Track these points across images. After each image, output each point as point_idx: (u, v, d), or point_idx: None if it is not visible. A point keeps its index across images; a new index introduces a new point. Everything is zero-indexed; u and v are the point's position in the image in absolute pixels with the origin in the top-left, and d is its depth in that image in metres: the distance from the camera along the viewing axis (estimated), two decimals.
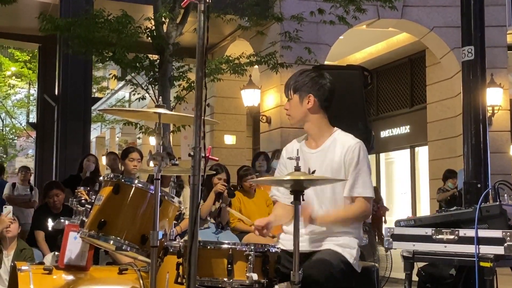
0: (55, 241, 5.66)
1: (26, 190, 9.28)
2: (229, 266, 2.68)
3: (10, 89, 23.60)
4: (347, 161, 3.07)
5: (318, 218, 3.01)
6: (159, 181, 2.86)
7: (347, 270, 2.98)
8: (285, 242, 3.09)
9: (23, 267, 3.44)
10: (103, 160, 9.20)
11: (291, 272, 2.60)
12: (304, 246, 2.97)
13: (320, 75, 3.22)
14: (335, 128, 3.23)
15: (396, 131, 15.20)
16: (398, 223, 3.46)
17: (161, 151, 2.92)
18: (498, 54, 11.34)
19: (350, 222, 3.10)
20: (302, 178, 2.64)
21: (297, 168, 2.69)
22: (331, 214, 3.06)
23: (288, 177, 2.67)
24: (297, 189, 2.67)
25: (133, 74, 10.05)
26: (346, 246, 3.04)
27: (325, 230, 3.05)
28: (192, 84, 9.54)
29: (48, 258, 4.35)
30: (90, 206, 3.41)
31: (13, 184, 9.45)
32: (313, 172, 3.09)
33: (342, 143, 3.12)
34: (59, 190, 6.31)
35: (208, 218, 5.68)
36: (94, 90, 19.77)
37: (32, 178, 11.54)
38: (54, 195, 6.21)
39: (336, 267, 2.91)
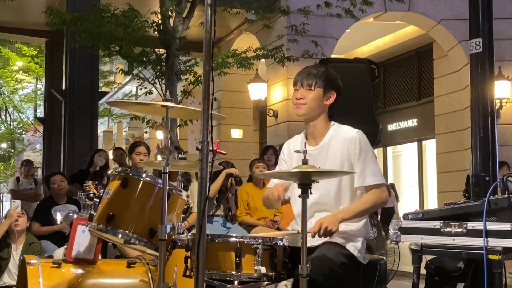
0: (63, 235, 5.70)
1: (31, 184, 9.32)
2: (237, 259, 2.68)
3: (17, 84, 23.68)
4: (351, 152, 3.05)
5: (338, 217, 2.93)
6: (167, 174, 2.87)
7: (350, 263, 2.94)
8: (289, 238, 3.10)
9: (32, 261, 3.47)
10: (110, 155, 9.23)
11: (299, 265, 2.61)
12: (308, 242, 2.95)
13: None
14: (332, 122, 3.20)
15: (404, 124, 15.16)
16: (406, 216, 3.46)
17: (169, 145, 2.93)
18: (506, 46, 11.26)
19: (368, 212, 3.07)
20: (310, 170, 2.64)
21: (305, 162, 2.68)
22: (349, 209, 3.00)
23: (296, 170, 2.66)
24: (305, 182, 2.66)
25: (140, 68, 10.06)
26: (349, 238, 3.00)
27: None
28: (199, 78, 9.54)
29: (58, 253, 4.38)
30: (98, 200, 3.42)
31: (17, 179, 9.49)
32: None
33: (342, 136, 3.10)
34: (62, 176, 6.38)
35: (214, 202, 5.67)
36: (101, 85, 19.81)
37: (39, 172, 11.59)
38: (57, 181, 6.23)
39: (337, 262, 2.87)
